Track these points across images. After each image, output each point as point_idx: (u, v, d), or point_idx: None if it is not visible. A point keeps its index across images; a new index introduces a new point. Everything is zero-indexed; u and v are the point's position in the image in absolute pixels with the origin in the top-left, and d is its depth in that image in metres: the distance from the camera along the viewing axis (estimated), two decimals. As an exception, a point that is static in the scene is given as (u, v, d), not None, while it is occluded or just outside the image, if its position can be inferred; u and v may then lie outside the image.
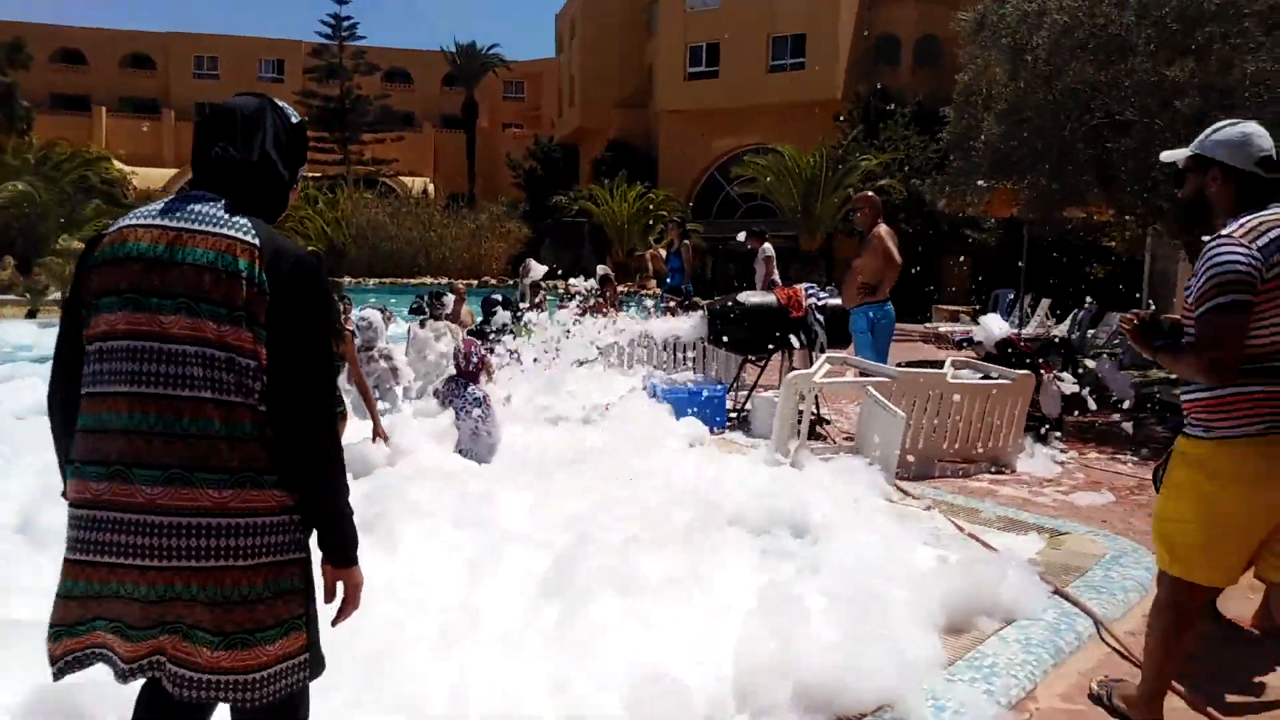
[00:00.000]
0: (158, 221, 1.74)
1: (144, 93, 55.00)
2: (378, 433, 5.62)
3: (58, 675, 1.76)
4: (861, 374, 6.51)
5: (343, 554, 1.82)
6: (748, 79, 33.33)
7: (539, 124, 52.48)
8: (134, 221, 1.77)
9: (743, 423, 7.62)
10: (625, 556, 3.75)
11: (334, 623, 1.86)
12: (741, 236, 11.01)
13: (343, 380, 5.80)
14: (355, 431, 5.61)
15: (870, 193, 7.46)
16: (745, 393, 8.01)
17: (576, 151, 43.24)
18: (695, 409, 7.23)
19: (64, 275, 19.79)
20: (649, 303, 10.49)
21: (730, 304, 7.60)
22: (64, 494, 1.77)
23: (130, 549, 1.65)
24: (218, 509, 1.66)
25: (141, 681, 1.80)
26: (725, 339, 7.60)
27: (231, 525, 1.67)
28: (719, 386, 7.64)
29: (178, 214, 1.74)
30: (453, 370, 6.24)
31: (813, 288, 7.68)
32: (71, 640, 1.73)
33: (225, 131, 1.81)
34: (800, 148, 27.14)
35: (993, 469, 6.32)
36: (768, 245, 11.16)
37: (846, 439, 7.00)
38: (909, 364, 7.18)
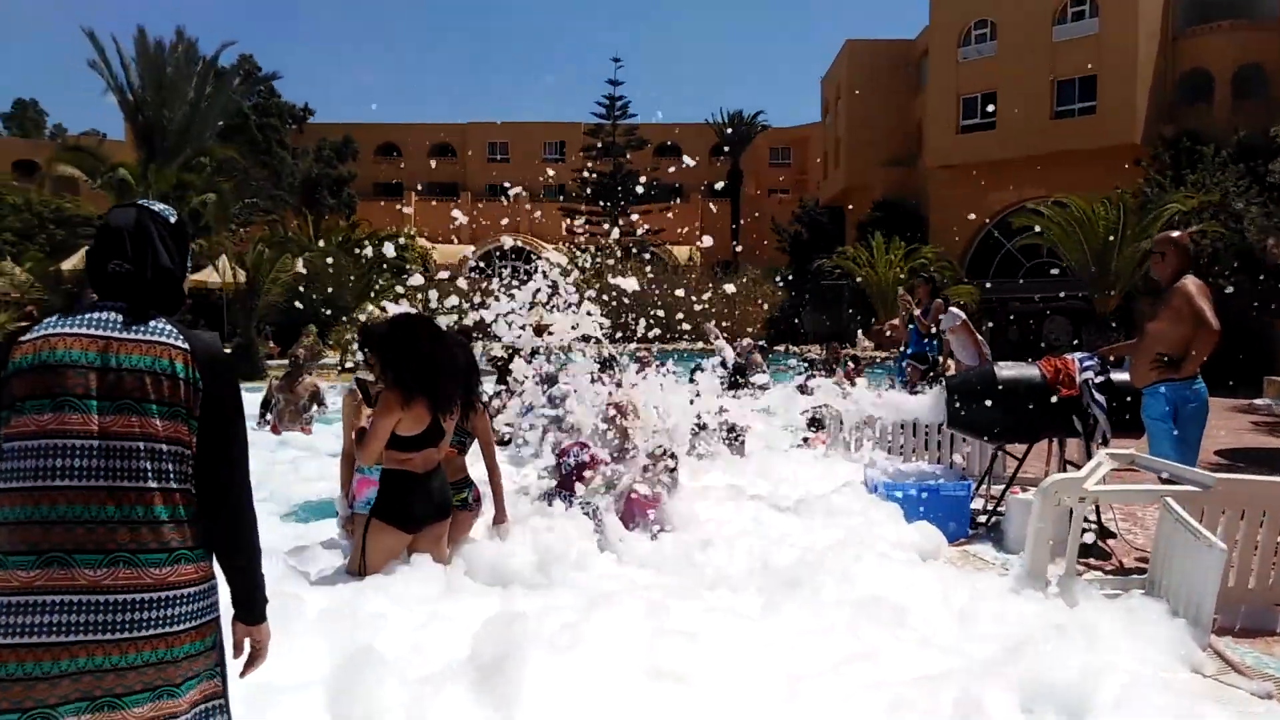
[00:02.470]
0: (85, 331, 1.91)
1: (446, 178, 60.95)
2: (499, 519, 4.95)
3: None
4: (1160, 479, 4.76)
5: (255, 612, 2.10)
6: (1028, 127, 30.63)
7: (805, 188, 51.79)
8: (58, 330, 1.91)
9: (993, 529, 6.01)
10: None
11: (242, 674, 2.12)
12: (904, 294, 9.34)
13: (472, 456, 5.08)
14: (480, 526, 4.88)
15: (1176, 232, 5.63)
16: (1000, 490, 6.37)
17: (842, 214, 41.99)
18: (928, 510, 5.76)
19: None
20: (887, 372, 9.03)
21: (977, 377, 6.06)
22: None
23: (73, 627, 1.80)
24: (159, 585, 1.88)
25: None
26: (968, 422, 6.06)
27: (169, 598, 1.89)
28: (964, 484, 6.07)
29: (101, 323, 1.92)
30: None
31: (1090, 359, 5.94)
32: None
33: (116, 248, 1.99)
34: (1090, 198, 24.08)
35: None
36: (955, 310, 9.32)
37: (1141, 563, 5.22)
38: (1225, 460, 5.25)
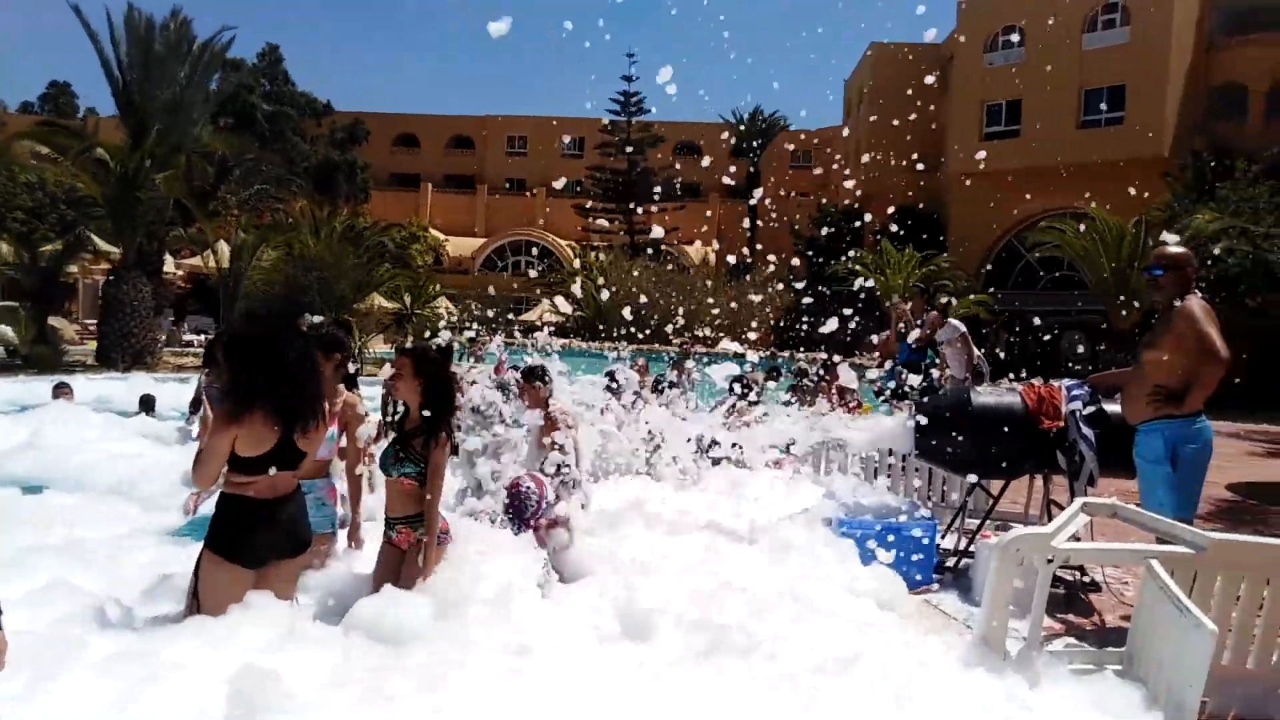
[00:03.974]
0: None
1: (463, 170, 60.50)
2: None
3: None
4: (1159, 533, 4.05)
5: None
6: (1054, 137, 29.71)
7: (826, 192, 50.91)
8: None
9: (960, 576, 5.31)
10: None
11: None
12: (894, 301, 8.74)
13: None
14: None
15: (1174, 247, 4.88)
16: (972, 529, 5.66)
17: (861, 219, 41.16)
18: (891, 550, 5.08)
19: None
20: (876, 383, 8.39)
21: (948, 403, 5.37)
22: None
23: None
24: None
25: None
26: (938, 453, 5.37)
27: None
28: (928, 522, 5.36)
29: None
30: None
31: (1079, 387, 5.22)
32: None
33: None
34: (1115, 210, 23.23)
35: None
36: (955, 323, 8.67)
37: (1126, 623, 4.52)
38: (1238, 497, 4.53)
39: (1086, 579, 5.31)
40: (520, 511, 4.65)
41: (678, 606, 4.03)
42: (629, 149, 47.99)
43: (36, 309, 17.30)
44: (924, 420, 5.31)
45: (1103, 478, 5.55)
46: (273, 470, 3.57)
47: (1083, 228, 23.87)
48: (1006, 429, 5.16)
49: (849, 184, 42.48)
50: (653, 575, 4.46)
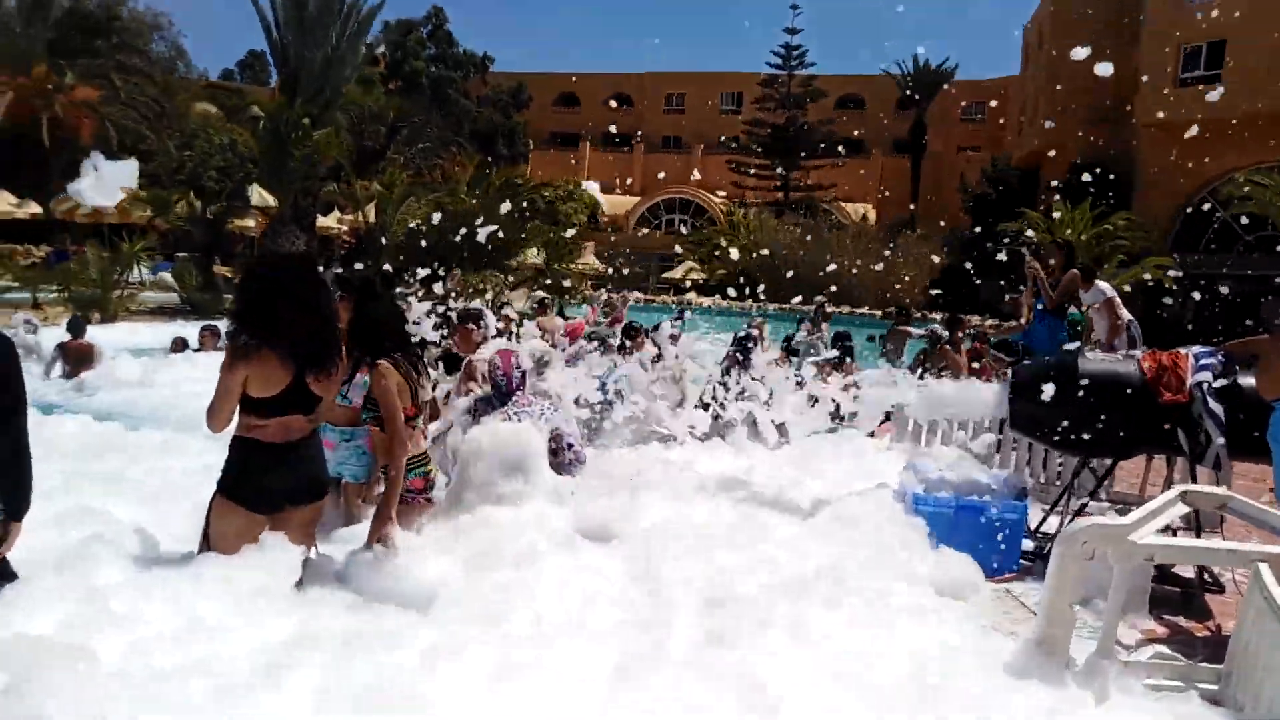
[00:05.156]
0: None
1: (622, 129, 60.52)
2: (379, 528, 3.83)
3: None
4: (1276, 532, 3.34)
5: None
6: (1264, 82, 26.29)
7: (999, 146, 47.66)
8: None
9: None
10: None
11: None
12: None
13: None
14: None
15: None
16: (1074, 509, 4.96)
17: (1037, 174, 38.21)
18: (964, 533, 4.51)
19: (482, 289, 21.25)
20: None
21: (1053, 367, 4.68)
22: None
23: None
24: None
25: None
26: (1035, 423, 4.71)
27: None
28: (1017, 504, 4.71)
29: None
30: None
31: (1210, 355, 4.43)
32: None
33: None
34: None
35: None
36: (1103, 285, 7.65)
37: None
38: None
39: (1208, 578, 4.56)
40: (498, 387, 4.81)
41: (702, 583, 3.68)
42: (788, 104, 46.52)
43: (203, 259, 18.75)
44: (1021, 387, 4.67)
45: (1241, 463, 4.75)
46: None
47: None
48: (1119, 401, 4.45)
49: (1024, 137, 39.64)
50: (684, 544, 4.11)
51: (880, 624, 3.49)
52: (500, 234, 26.56)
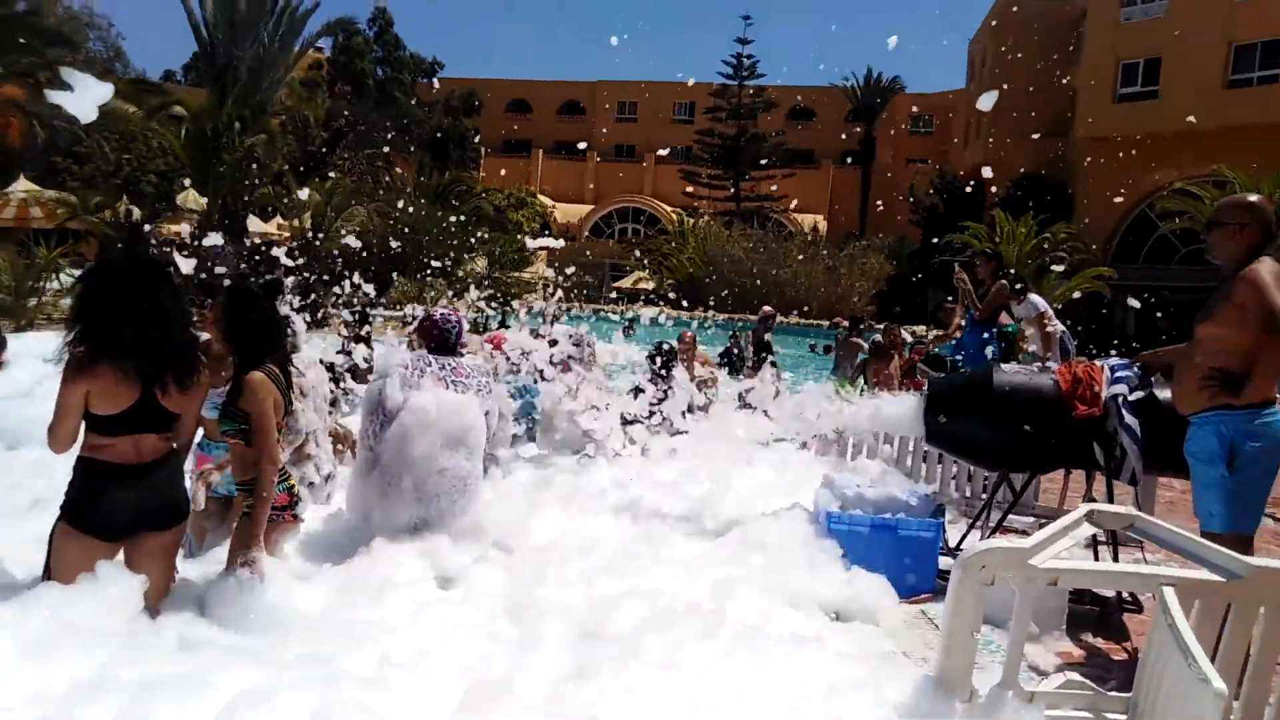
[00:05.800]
0: None
1: (573, 137, 60.24)
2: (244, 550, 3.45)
3: None
4: (1184, 555, 3.18)
5: None
6: (1197, 98, 26.96)
7: (947, 159, 48.32)
8: None
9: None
10: None
11: None
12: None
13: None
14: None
15: (1254, 196, 3.89)
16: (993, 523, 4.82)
17: (982, 187, 38.79)
18: (878, 552, 4.33)
19: (419, 296, 20.86)
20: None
21: (966, 381, 4.53)
22: None
23: None
24: None
25: None
26: (950, 438, 4.56)
27: None
28: (932, 522, 4.55)
29: None
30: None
31: (1125, 368, 4.30)
32: None
33: None
34: (1263, 178, 20.89)
35: None
36: (1035, 298, 7.62)
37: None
38: None
39: (1127, 597, 4.42)
40: (444, 341, 4.63)
41: (581, 611, 3.42)
42: (739, 114, 46.69)
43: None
44: (937, 400, 4.51)
45: (1163, 478, 4.64)
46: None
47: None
48: (1034, 415, 4.31)
49: (970, 150, 40.20)
50: (571, 568, 3.86)
51: (760, 656, 3.24)
52: (451, 242, 26.16)
